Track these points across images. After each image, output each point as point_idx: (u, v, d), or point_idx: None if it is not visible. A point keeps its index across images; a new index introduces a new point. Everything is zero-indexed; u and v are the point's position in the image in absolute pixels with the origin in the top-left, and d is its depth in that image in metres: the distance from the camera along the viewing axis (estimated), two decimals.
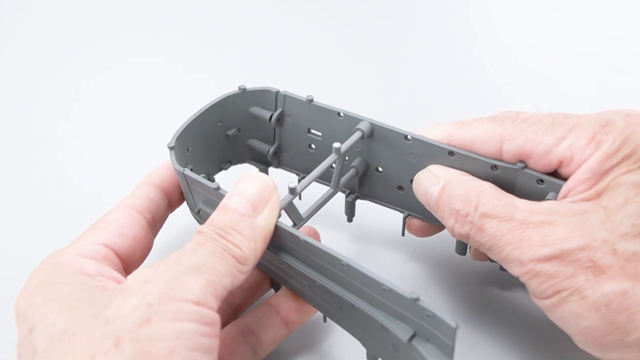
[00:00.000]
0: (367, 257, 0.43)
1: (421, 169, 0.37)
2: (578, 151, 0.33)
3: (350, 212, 0.42)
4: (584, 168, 0.33)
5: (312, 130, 0.41)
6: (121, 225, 0.35)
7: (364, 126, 0.38)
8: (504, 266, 0.33)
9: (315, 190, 0.40)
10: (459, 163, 0.36)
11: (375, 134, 0.39)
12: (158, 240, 0.38)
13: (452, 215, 0.34)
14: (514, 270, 0.32)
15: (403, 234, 0.41)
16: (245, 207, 0.32)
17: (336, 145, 0.36)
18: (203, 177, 0.36)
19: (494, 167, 0.36)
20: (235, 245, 0.31)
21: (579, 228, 0.31)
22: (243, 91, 0.41)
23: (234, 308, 0.38)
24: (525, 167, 0.35)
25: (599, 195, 0.32)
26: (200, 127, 0.40)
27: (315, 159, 0.41)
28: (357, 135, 0.38)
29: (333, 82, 0.60)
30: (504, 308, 0.40)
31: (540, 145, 0.34)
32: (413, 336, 0.30)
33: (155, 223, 0.37)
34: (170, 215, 0.39)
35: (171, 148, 0.37)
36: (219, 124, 0.41)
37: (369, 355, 0.34)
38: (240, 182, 0.33)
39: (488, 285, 0.41)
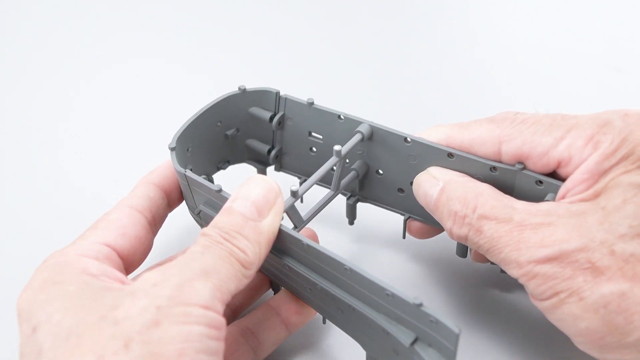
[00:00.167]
0: (367, 258, 0.43)
1: (421, 171, 0.37)
2: (576, 152, 0.33)
3: (351, 215, 0.42)
4: (582, 168, 0.33)
5: (313, 133, 0.41)
6: (122, 224, 0.35)
7: (363, 129, 0.38)
8: (503, 268, 0.33)
9: (315, 193, 0.40)
10: (458, 165, 0.37)
11: (375, 136, 0.39)
12: (158, 240, 0.38)
13: (451, 217, 0.34)
14: (513, 272, 0.32)
15: (404, 237, 0.41)
16: (250, 211, 0.32)
17: (337, 148, 0.37)
18: (204, 178, 0.36)
19: (493, 168, 0.36)
20: (240, 249, 0.31)
21: (577, 229, 0.31)
22: (243, 91, 0.41)
23: (234, 309, 0.38)
24: (524, 168, 0.35)
25: (597, 195, 0.32)
26: (200, 127, 0.40)
27: (316, 162, 0.41)
28: (357, 137, 0.38)
29: (333, 82, 0.60)
30: (503, 310, 0.40)
31: (539, 146, 0.34)
32: (415, 341, 0.30)
33: (155, 222, 0.37)
34: (170, 215, 0.39)
35: (172, 149, 0.37)
36: (219, 124, 0.41)
37: (368, 357, 0.34)
38: (245, 184, 0.33)
39: (488, 287, 0.41)
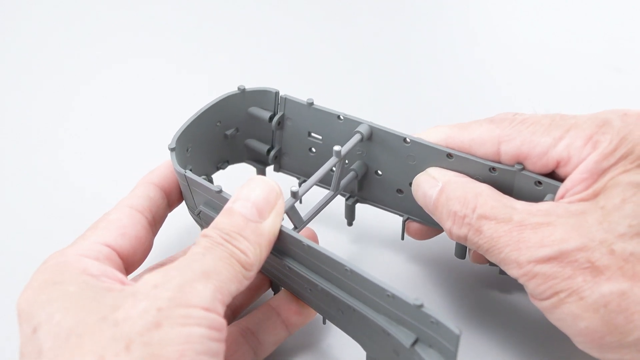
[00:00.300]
0: (366, 258, 0.43)
1: (420, 172, 0.37)
2: (575, 152, 0.33)
3: (350, 216, 0.42)
4: (581, 168, 0.33)
5: (312, 134, 0.41)
6: (123, 225, 0.35)
7: (363, 129, 0.38)
8: (502, 268, 0.33)
9: (314, 193, 0.40)
10: (458, 165, 0.37)
11: (374, 137, 0.39)
12: (157, 240, 0.38)
13: (450, 217, 0.34)
14: (513, 272, 0.32)
15: (402, 238, 0.41)
16: (251, 212, 0.32)
17: (337, 148, 0.37)
18: (204, 178, 0.36)
19: (492, 169, 0.36)
20: (241, 250, 0.31)
21: (576, 229, 0.31)
22: (242, 91, 0.41)
23: (233, 309, 0.38)
24: (523, 168, 0.35)
25: (596, 195, 0.32)
26: (199, 127, 0.40)
27: (315, 163, 0.41)
28: (356, 138, 0.38)
29: (332, 82, 0.60)
30: (503, 310, 0.40)
31: (538, 147, 0.34)
32: (415, 341, 0.30)
33: (155, 222, 0.37)
34: (170, 215, 0.39)
35: (172, 149, 0.37)
36: (218, 124, 0.41)
37: (368, 358, 0.34)
38: (245, 185, 0.33)
39: (487, 288, 0.41)
